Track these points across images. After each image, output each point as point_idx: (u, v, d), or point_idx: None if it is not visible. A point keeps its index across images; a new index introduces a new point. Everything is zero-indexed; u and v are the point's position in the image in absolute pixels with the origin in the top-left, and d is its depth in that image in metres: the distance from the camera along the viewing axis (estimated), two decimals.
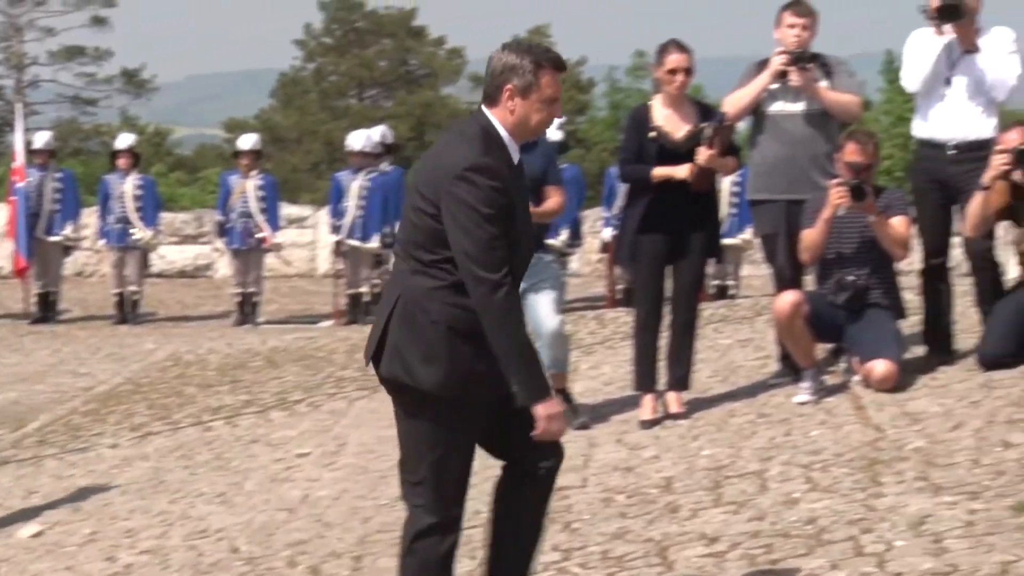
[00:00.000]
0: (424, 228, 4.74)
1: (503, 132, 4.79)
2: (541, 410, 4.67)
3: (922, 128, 8.36)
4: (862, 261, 8.13)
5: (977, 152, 8.12)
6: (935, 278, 8.40)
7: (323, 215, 18.66)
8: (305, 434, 9.10)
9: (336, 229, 15.11)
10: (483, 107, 4.83)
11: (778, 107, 8.26)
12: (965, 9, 8.02)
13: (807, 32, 8.23)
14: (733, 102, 8.26)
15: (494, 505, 5.03)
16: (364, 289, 15.00)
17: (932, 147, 8.29)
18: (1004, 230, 8.90)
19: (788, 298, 7.94)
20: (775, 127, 8.27)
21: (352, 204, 14.85)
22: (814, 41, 8.28)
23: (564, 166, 13.42)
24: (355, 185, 14.89)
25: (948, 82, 8.16)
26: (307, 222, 20.57)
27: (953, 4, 7.98)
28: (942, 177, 8.24)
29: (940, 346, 8.41)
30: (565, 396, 8.36)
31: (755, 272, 14.96)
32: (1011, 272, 8.92)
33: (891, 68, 40.77)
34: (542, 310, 8.05)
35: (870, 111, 43.45)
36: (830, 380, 8.24)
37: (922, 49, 8.20)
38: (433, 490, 4.82)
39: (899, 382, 7.85)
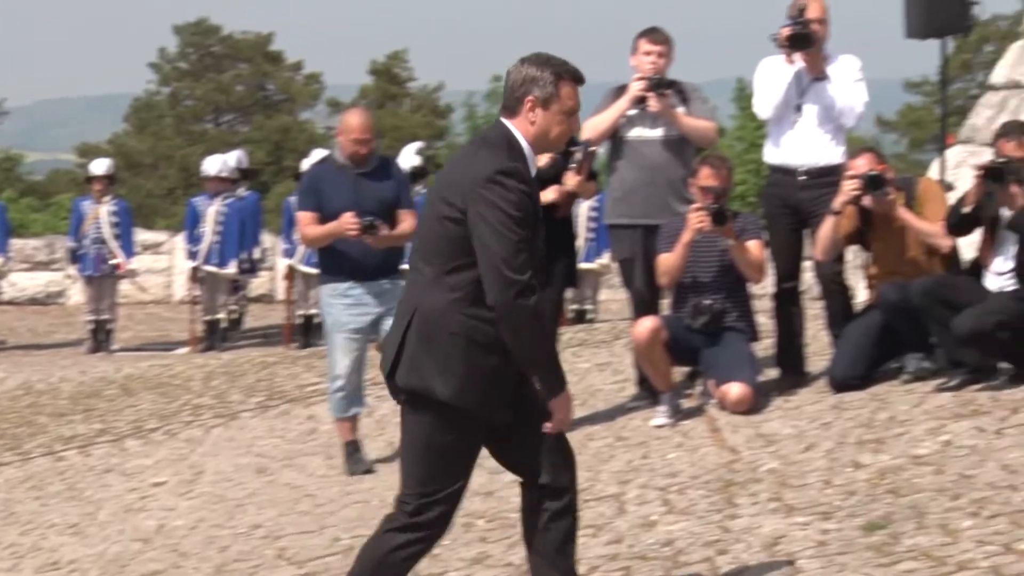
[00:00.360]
0: (447, 236, 4.75)
1: (523, 143, 4.84)
2: (558, 403, 4.79)
3: (774, 154, 8.51)
4: (718, 285, 8.24)
5: (827, 177, 8.29)
6: (787, 302, 8.54)
7: (179, 241, 18.43)
8: (161, 463, 8.96)
9: (192, 255, 14.93)
10: (503, 119, 4.88)
11: (636, 133, 8.34)
12: (814, 38, 8.19)
13: (663, 59, 8.34)
14: (592, 127, 8.33)
15: (521, 526, 5.10)
16: (221, 315, 14.84)
17: (784, 173, 8.44)
18: (853, 254, 9.11)
19: (647, 324, 8.02)
20: (633, 153, 8.35)
21: (209, 230, 14.67)
22: (670, 68, 8.39)
23: (423, 191, 13.45)
24: (211, 210, 14.72)
25: (798, 109, 8.32)
26: (162, 248, 20.29)
27: (804, 33, 8.15)
28: (793, 202, 8.39)
29: (793, 369, 8.55)
30: None
31: (613, 296, 15.07)
32: (860, 295, 9.11)
33: (743, 95, 41.46)
34: None
35: (723, 137, 44.16)
36: (687, 403, 8.33)
37: (773, 77, 8.35)
38: (426, 495, 4.85)
39: (754, 404, 7.97)
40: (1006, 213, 7.69)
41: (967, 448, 6.59)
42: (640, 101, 8.24)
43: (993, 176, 7.58)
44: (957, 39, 10.86)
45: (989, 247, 7.86)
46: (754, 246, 8.21)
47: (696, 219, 7.97)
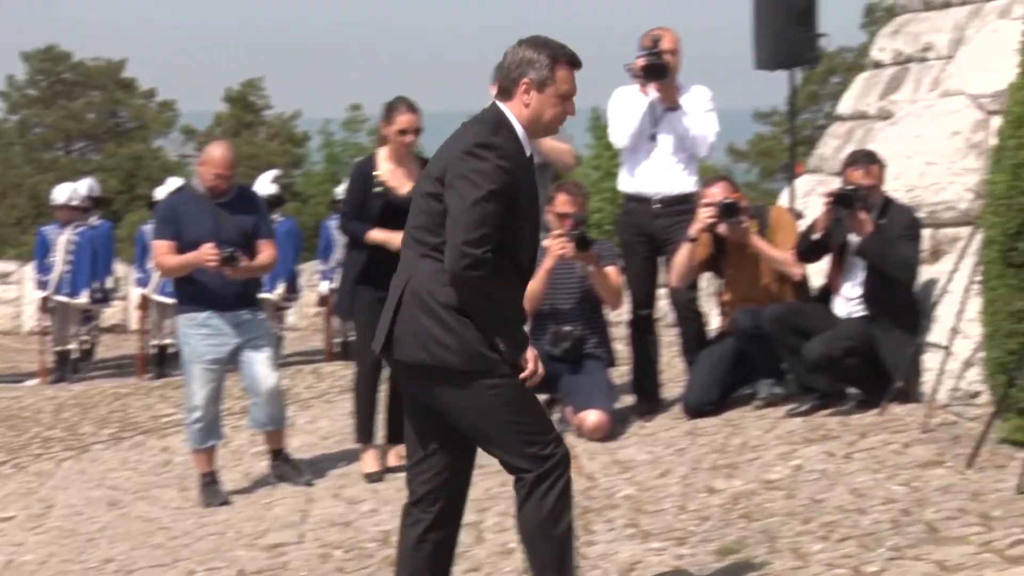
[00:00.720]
0: (432, 211, 4.78)
1: (517, 125, 4.84)
2: (530, 356, 4.85)
3: (629, 183, 8.61)
4: (577, 312, 8.31)
5: (681, 206, 8.43)
6: (643, 329, 8.64)
7: (29, 270, 18.05)
8: (9, 497, 8.75)
9: (43, 285, 14.61)
10: (497, 101, 4.88)
11: None
12: (668, 69, 8.32)
13: None
14: None
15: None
16: (72, 346, 14.53)
17: (639, 201, 8.54)
18: (707, 281, 9.23)
19: None
20: None
21: (59, 259, 14.38)
22: None
23: (280, 219, 13.34)
24: (62, 239, 14.44)
25: (653, 138, 8.43)
26: (11, 278, 19.84)
27: (658, 64, 8.27)
28: (649, 230, 8.50)
29: (648, 395, 8.64)
30: (283, 455, 8.29)
31: None
32: (714, 322, 9.24)
33: (597, 124, 41.87)
34: (259, 368, 8.01)
35: (579, 166, 44.48)
36: None
37: (627, 106, 8.45)
38: (521, 444, 4.81)
39: (610, 432, 8.04)
40: (854, 239, 7.86)
41: (817, 472, 6.71)
42: None
43: (841, 203, 7.75)
44: (805, 71, 11.08)
45: (838, 273, 8.04)
46: (612, 272, 8.30)
47: (558, 245, 8.01)
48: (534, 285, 8.09)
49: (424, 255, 4.82)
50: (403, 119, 7.97)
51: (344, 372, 11.49)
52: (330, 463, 8.50)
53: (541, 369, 4.92)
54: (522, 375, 4.85)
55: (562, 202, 8.17)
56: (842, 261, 8.01)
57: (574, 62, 4.88)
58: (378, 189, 7.94)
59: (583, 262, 8.13)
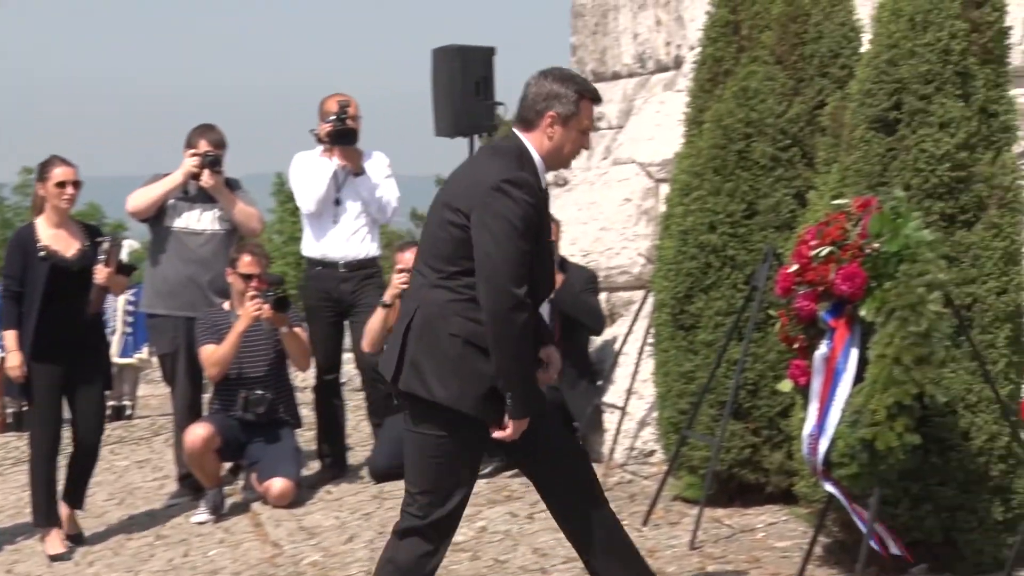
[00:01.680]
0: (451, 240, 4.72)
1: (536, 156, 4.82)
2: (516, 427, 4.71)
3: (314, 247, 8.62)
4: (266, 375, 8.22)
5: (366, 270, 8.52)
6: (328, 393, 8.64)
7: None
8: None
9: None
10: (516, 131, 4.86)
11: (182, 223, 8.29)
12: (356, 135, 8.41)
13: (220, 149, 8.35)
14: (139, 198, 8.24)
15: None
16: None
17: (324, 265, 8.56)
18: None
19: (199, 432, 7.87)
20: (178, 244, 8.28)
21: None
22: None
23: None
24: None
25: (338, 203, 8.48)
26: None
27: (348, 129, 8.34)
28: (335, 294, 8.52)
29: (334, 460, 8.63)
30: None
31: (152, 391, 14.77)
32: None
33: (282, 189, 41.77)
34: None
35: (264, 231, 44.17)
36: (229, 498, 8.26)
37: (313, 171, 8.47)
38: (431, 504, 4.82)
39: (296, 498, 7.99)
40: None
41: (501, 533, 6.83)
42: (194, 177, 8.21)
43: None
44: (483, 138, 11.36)
45: None
46: (302, 333, 8.27)
47: (254, 307, 7.95)
48: (223, 350, 8.00)
49: (436, 285, 4.76)
50: (59, 172, 7.79)
51: (17, 443, 11.09)
52: (3, 538, 8.18)
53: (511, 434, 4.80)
54: (497, 433, 4.76)
55: (246, 264, 8.11)
56: None
57: (596, 98, 4.94)
58: (42, 254, 7.71)
59: (278, 324, 8.09)
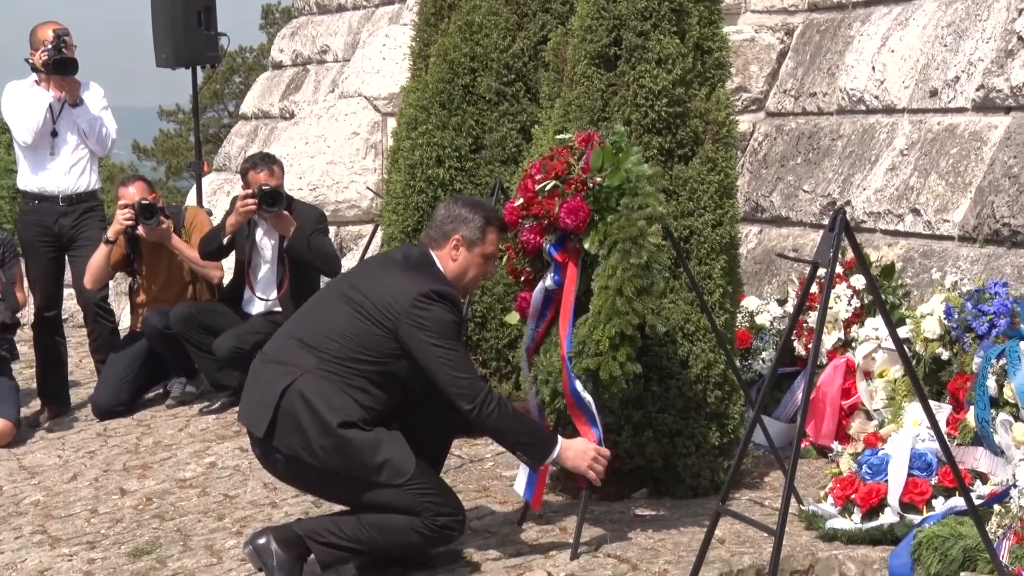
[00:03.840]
0: (360, 330, 4.91)
1: (443, 273, 5.07)
2: (565, 457, 5.02)
3: (31, 181, 8.37)
4: None
5: (86, 203, 8.33)
6: (50, 330, 8.43)
7: None
8: None
9: None
10: (425, 245, 5.11)
11: None
12: (77, 65, 8.16)
13: None
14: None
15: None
16: None
17: (42, 199, 8.32)
18: (117, 280, 9.11)
19: None
20: None
21: None
22: None
23: None
24: None
25: (55, 135, 8.24)
26: None
27: (71, 59, 8.10)
28: (55, 229, 8.30)
29: (57, 398, 8.44)
30: None
31: None
32: (125, 322, 9.14)
33: None
34: None
35: None
36: None
37: (28, 102, 8.21)
38: (434, 497, 4.91)
39: (15, 437, 7.79)
40: (262, 238, 7.95)
41: (231, 468, 6.80)
42: None
43: (266, 201, 7.72)
44: (207, 70, 11.18)
45: (246, 272, 8.10)
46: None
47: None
48: None
49: (322, 368, 4.90)
50: None
51: None
52: None
53: (594, 462, 5.08)
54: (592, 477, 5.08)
55: None
56: (251, 261, 8.08)
57: (503, 227, 5.18)
58: None
59: None
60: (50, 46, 8.10)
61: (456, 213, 5.14)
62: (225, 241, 7.89)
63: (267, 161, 7.98)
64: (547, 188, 5.20)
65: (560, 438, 5.06)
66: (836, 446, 6.01)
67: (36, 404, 8.46)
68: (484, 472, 6.33)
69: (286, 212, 7.77)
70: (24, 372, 8.54)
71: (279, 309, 7.93)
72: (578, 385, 5.08)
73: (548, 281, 5.26)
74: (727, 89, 5.91)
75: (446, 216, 5.15)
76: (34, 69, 8.22)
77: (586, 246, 5.14)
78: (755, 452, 6.10)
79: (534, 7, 6.89)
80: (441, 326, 4.90)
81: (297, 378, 4.93)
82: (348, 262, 8.58)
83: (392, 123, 8.52)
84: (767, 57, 8.75)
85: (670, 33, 5.71)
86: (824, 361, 6.43)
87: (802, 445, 5.59)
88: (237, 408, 7.75)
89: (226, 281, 8.41)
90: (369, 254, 8.03)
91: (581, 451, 5.04)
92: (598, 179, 5.13)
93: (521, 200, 5.28)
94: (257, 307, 8.04)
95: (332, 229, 9.29)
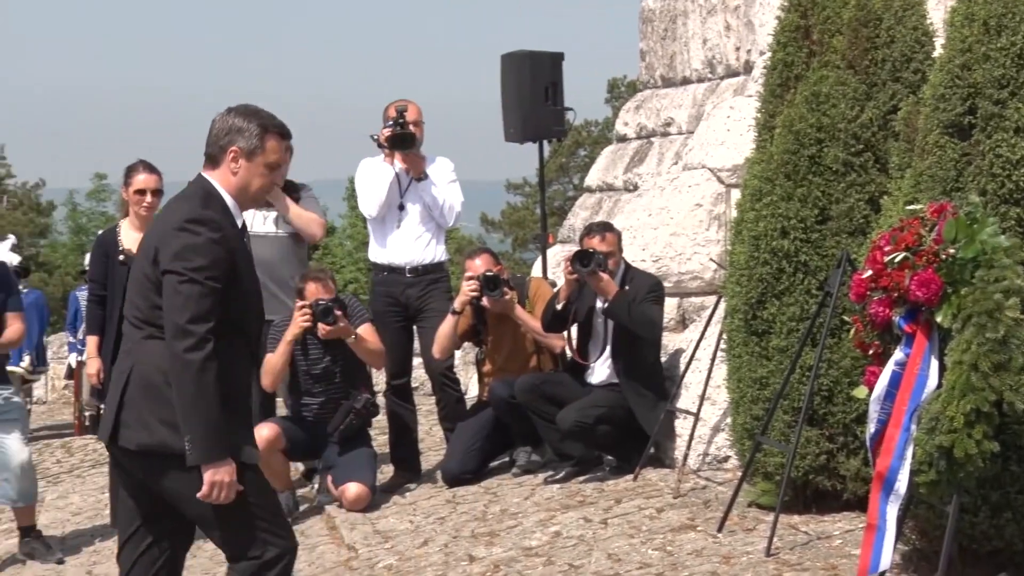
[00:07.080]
0: (154, 291, 4.63)
1: (225, 194, 4.76)
2: (209, 474, 4.53)
3: (379, 253, 8.69)
4: (330, 380, 8.26)
5: (432, 274, 8.60)
6: (400, 397, 8.70)
7: None
8: None
9: None
10: (203, 171, 4.80)
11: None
12: (416, 140, 8.46)
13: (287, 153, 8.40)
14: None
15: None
16: None
17: (390, 271, 8.63)
18: (463, 349, 9.35)
19: (263, 433, 7.84)
20: None
21: None
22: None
23: (26, 290, 12.98)
24: None
25: (401, 208, 8.55)
26: None
27: (405, 134, 8.40)
28: (403, 299, 8.59)
29: (407, 465, 8.68)
30: (33, 532, 8.06)
31: None
32: (473, 391, 9.34)
33: (353, 195, 42.02)
34: (9, 443, 7.80)
35: (334, 235, 44.50)
36: (304, 501, 8.33)
37: (375, 177, 8.56)
38: (247, 530, 4.68)
39: (371, 502, 8.04)
40: (600, 305, 8.04)
41: (575, 538, 6.84)
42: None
43: (580, 260, 7.86)
44: (553, 144, 11.35)
45: (586, 343, 8.19)
46: (367, 330, 8.22)
47: (301, 317, 7.98)
48: (275, 360, 8.01)
49: (149, 336, 4.67)
50: (140, 180, 7.93)
51: (95, 446, 11.23)
52: (82, 540, 8.30)
53: (223, 497, 4.60)
54: (198, 493, 4.57)
55: (313, 291, 8.05)
56: (589, 330, 8.19)
57: (283, 133, 4.86)
58: (122, 258, 7.82)
59: (337, 335, 8.05)
60: (391, 122, 8.43)
61: (231, 124, 4.79)
62: (558, 308, 8.01)
63: (601, 228, 8.14)
64: (897, 260, 5.08)
65: (229, 464, 4.57)
66: None
67: (389, 470, 8.73)
68: (832, 550, 6.18)
69: (606, 276, 7.79)
70: (378, 439, 8.83)
71: (614, 380, 7.99)
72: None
73: (899, 354, 5.12)
74: None
75: (221, 129, 4.80)
76: (379, 145, 8.56)
77: (938, 319, 5.00)
78: None
79: (884, 76, 6.76)
80: (180, 255, 4.57)
81: (134, 365, 4.71)
82: (691, 334, 8.56)
83: (736, 194, 8.48)
84: None
85: None
86: None
87: None
88: (582, 478, 7.88)
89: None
90: (713, 326, 7.99)
91: (227, 480, 4.56)
92: (951, 250, 4.99)
93: (869, 272, 5.18)
94: (593, 377, 8.12)
95: (674, 300, 9.30)
